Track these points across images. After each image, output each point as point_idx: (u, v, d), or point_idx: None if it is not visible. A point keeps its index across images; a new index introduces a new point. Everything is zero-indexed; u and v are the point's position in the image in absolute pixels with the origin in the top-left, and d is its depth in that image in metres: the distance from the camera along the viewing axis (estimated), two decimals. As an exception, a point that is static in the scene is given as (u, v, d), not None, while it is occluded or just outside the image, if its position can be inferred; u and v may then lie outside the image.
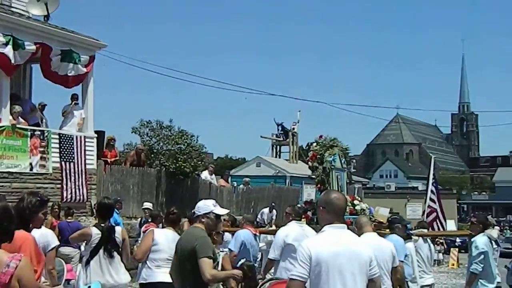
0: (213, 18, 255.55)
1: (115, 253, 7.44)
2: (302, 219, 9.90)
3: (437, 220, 14.26)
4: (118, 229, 7.70)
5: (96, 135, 16.65)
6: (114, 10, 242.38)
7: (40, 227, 5.84)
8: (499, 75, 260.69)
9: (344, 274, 4.44)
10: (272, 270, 8.71)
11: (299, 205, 9.61)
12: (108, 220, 7.62)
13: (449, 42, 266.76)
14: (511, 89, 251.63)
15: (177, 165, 18.25)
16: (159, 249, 7.91)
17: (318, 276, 4.42)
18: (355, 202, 14.24)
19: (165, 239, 7.88)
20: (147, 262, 7.96)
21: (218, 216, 6.16)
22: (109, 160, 17.18)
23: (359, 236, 7.63)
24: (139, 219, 15.46)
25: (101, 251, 7.36)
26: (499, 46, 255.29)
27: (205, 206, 6.11)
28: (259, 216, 18.90)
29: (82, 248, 8.68)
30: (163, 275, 7.46)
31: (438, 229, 14.24)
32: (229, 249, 10.30)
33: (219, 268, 6.88)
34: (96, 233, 7.38)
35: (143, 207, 15.26)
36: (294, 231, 8.51)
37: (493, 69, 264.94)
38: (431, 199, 14.34)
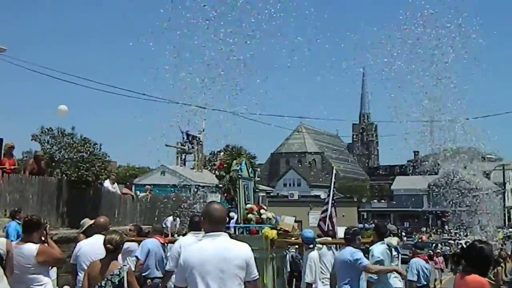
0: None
1: None
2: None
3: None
4: (1, 240, 7.16)
5: (-8, 143, 15.91)
6: (17, 13, 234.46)
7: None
8: (397, 86, 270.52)
9: (212, 279, 4.77)
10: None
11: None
12: None
13: (351, 53, 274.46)
14: (408, 100, 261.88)
15: (79, 173, 17.68)
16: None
17: (191, 282, 4.83)
18: (261, 211, 14.28)
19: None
20: None
21: None
22: (7, 169, 16.42)
23: None
24: None
25: None
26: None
27: None
28: (162, 224, 18.69)
29: None
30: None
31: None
32: (136, 257, 10.18)
33: (125, 284, 6.45)
34: None
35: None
36: (188, 242, 8.32)
37: (391, 80, 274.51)
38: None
